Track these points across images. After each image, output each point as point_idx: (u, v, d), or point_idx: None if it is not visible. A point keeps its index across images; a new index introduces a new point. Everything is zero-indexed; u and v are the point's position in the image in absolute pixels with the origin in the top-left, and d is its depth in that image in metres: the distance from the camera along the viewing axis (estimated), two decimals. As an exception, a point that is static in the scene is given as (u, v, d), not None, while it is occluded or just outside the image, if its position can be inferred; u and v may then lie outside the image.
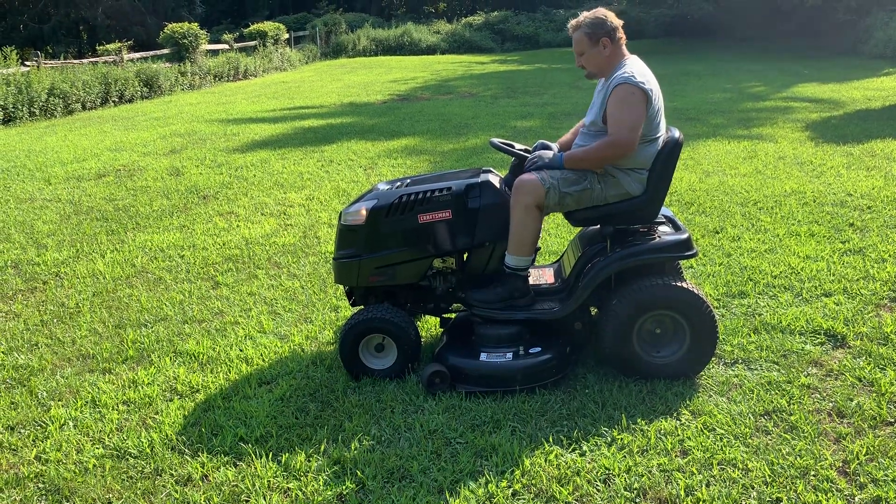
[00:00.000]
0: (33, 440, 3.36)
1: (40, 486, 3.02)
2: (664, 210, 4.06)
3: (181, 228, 6.57)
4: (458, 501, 2.79)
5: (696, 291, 3.52)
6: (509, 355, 3.59)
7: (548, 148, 3.92)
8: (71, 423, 3.47)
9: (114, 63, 18.40)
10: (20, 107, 14.25)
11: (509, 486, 2.87)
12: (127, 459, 3.17)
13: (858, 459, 2.95)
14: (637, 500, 2.78)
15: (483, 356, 3.60)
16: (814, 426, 3.18)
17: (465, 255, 3.92)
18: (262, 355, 4.07)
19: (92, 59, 18.32)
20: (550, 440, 3.15)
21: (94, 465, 3.12)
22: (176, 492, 2.93)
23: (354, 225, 3.79)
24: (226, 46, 23.48)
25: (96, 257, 5.84)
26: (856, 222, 5.93)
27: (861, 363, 3.70)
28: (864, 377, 3.57)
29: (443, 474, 2.96)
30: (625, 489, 2.83)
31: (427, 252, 3.79)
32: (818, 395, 3.45)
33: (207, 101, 16.57)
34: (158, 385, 3.80)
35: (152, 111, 15.16)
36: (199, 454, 3.17)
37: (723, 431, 3.18)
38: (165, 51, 20.69)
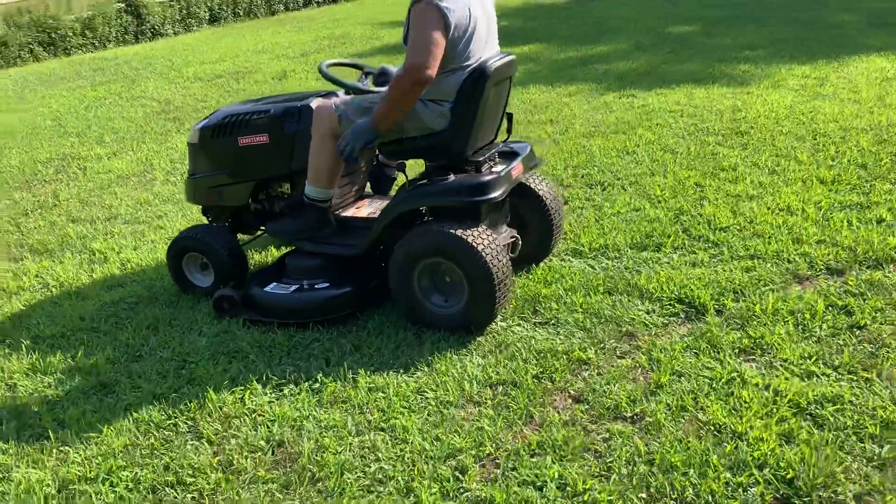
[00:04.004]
0: None
1: None
2: (519, 145, 3.67)
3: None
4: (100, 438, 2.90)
5: (469, 241, 3.15)
6: (293, 288, 3.53)
7: (388, 74, 3.70)
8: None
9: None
10: (225, 7, 15.63)
11: (171, 422, 2.89)
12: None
13: (515, 455, 2.57)
14: (271, 454, 2.68)
15: (271, 286, 3.58)
16: (524, 405, 2.80)
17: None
18: (139, 259, 4.38)
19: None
20: (265, 378, 3.11)
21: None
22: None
23: (191, 143, 3.89)
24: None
25: (126, 155, 6.50)
26: (915, 169, 4.76)
27: (677, 347, 3.11)
28: (660, 359, 3.01)
29: (120, 403, 3.03)
30: (265, 440, 2.75)
31: (248, 175, 3.79)
32: (580, 375, 2.99)
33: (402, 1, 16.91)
34: (39, 278, 4.27)
35: (340, 13, 15.84)
36: (-9, 345, 3.58)
37: (431, 396, 2.91)
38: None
